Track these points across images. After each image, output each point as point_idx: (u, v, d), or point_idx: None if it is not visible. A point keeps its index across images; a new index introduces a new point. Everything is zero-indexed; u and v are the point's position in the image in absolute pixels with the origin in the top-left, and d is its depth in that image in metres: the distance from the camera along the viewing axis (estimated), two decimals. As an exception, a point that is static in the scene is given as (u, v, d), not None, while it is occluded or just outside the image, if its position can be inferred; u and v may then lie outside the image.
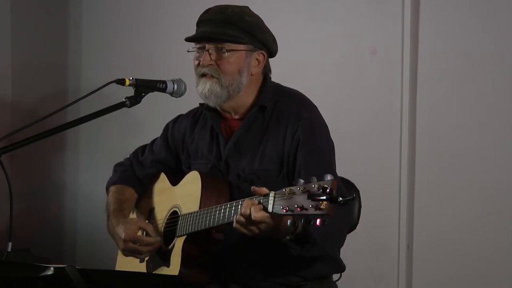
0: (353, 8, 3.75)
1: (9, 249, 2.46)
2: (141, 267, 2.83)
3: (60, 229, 4.83)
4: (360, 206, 2.88)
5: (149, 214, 2.93)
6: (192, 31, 2.76)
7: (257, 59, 2.73)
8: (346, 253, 2.88)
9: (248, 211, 2.34)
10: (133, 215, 2.98)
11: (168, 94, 2.72)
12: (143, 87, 2.65)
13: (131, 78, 2.63)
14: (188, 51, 2.74)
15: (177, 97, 2.73)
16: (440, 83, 3.53)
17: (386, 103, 3.64)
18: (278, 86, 2.81)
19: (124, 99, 2.64)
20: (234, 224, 2.40)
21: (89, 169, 4.74)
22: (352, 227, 2.86)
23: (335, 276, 2.83)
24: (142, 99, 2.67)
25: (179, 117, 2.96)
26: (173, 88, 2.71)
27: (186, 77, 2.76)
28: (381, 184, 3.64)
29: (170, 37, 4.36)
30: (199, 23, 2.75)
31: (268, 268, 2.67)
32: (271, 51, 2.77)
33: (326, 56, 3.83)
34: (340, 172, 2.70)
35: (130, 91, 2.66)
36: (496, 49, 3.40)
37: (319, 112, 2.76)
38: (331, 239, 2.56)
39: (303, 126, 2.65)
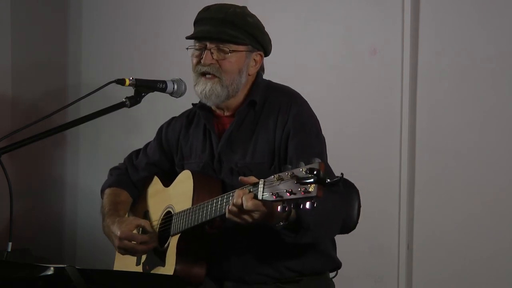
0: (353, 8, 3.75)
1: (9, 249, 2.46)
2: (138, 270, 2.84)
3: (60, 229, 4.83)
4: (359, 206, 2.87)
5: (144, 217, 2.93)
6: (192, 30, 2.76)
7: (254, 59, 2.75)
8: (346, 253, 2.88)
9: (240, 201, 2.33)
10: None
11: (168, 94, 2.73)
12: (143, 87, 2.66)
13: (131, 78, 2.64)
14: (187, 49, 2.75)
15: (177, 97, 2.74)
16: (440, 83, 3.53)
17: (386, 103, 3.65)
18: (269, 82, 2.83)
19: (124, 99, 2.64)
20: (227, 215, 2.40)
21: (89, 168, 4.75)
22: (352, 227, 2.86)
23: (332, 274, 2.83)
24: (142, 99, 2.67)
25: (172, 119, 2.98)
26: (173, 88, 2.71)
27: (186, 77, 2.76)
28: (381, 184, 3.64)
29: (170, 37, 4.36)
30: (198, 21, 2.75)
31: (263, 263, 2.68)
32: (267, 51, 2.80)
33: (326, 56, 3.83)
34: (340, 172, 2.70)
35: (130, 91, 2.66)
36: (496, 49, 3.40)
37: (310, 106, 2.76)
38: (324, 224, 2.55)
39: (293, 118, 2.67)
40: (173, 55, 4.23)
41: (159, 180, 2.94)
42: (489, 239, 3.40)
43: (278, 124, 2.68)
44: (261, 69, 2.82)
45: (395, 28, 3.61)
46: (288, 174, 2.20)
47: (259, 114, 2.73)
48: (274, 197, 2.22)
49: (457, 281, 3.48)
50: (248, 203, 2.32)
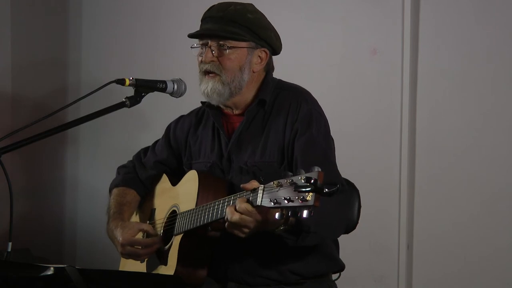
0: (353, 8, 3.75)
1: (9, 249, 2.46)
2: (142, 268, 2.83)
3: (60, 229, 4.83)
4: (359, 206, 2.87)
5: (151, 215, 2.94)
6: (192, 30, 2.77)
7: (259, 56, 2.75)
8: (346, 253, 2.88)
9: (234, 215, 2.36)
10: (135, 217, 2.99)
11: (168, 94, 2.73)
12: (143, 87, 2.66)
13: (131, 78, 2.64)
14: (192, 47, 2.76)
15: (177, 97, 2.74)
16: (440, 83, 3.53)
17: (386, 103, 3.65)
18: (279, 81, 2.83)
19: (124, 99, 2.64)
20: (228, 229, 2.41)
21: (89, 169, 4.74)
22: (352, 227, 2.86)
23: (335, 276, 2.83)
24: (142, 99, 2.67)
25: (181, 117, 2.98)
26: (173, 88, 2.71)
27: (186, 77, 2.76)
28: (381, 184, 3.64)
29: (170, 37, 4.36)
30: (202, 20, 2.77)
31: (266, 266, 2.68)
32: (274, 48, 2.79)
33: (326, 56, 3.83)
34: (341, 172, 2.71)
35: (130, 91, 2.66)
36: (496, 49, 3.40)
37: (319, 105, 2.76)
38: (325, 227, 2.54)
39: (302, 117, 2.67)
40: (173, 55, 4.24)
41: (167, 178, 2.93)
42: (489, 239, 3.40)
43: (287, 123, 2.68)
44: (271, 68, 2.81)
45: (395, 28, 3.61)
46: (287, 181, 2.20)
47: (269, 113, 2.73)
48: (272, 203, 2.23)
49: (457, 281, 3.48)
50: (241, 205, 2.33)
